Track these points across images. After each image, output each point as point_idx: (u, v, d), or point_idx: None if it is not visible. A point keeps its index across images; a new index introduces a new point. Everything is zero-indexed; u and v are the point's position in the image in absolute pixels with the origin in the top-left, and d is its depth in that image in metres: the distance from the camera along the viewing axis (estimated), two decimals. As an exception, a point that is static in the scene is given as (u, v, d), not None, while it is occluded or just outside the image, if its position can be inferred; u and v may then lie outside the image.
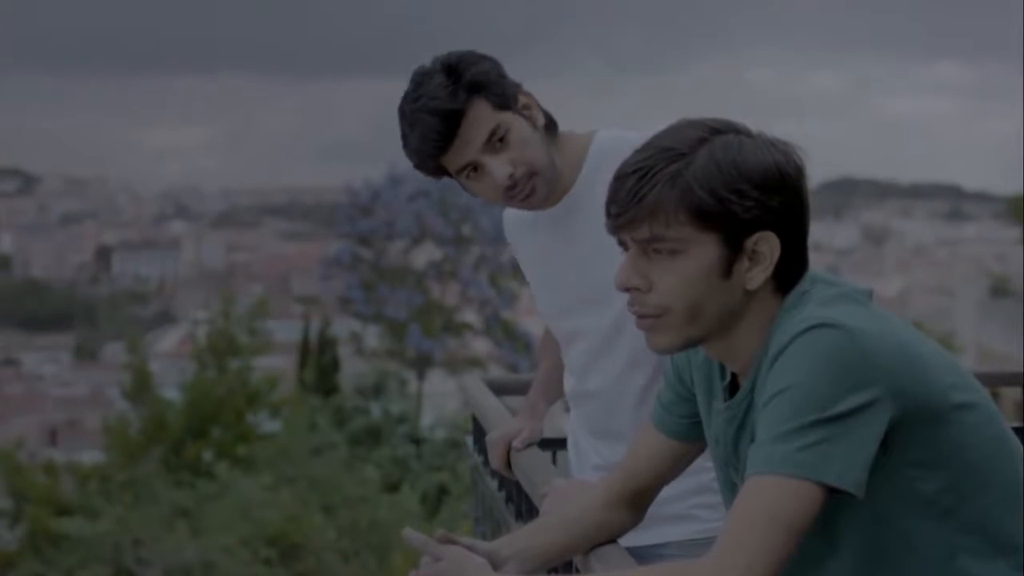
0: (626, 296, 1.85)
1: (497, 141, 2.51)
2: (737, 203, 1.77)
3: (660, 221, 1.78)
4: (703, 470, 2.17)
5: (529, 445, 2.83)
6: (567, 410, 2.94)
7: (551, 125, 2.61)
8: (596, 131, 2.70)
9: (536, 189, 2.56)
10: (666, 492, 2.33)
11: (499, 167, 2.51)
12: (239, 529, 14.17)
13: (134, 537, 14.29)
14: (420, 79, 2.52)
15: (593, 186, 2.54)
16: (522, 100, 2.55)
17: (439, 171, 2.58)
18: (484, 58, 2.55)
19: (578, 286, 2.68)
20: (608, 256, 2.45)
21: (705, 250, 1.79)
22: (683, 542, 2.59)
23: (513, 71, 2.59)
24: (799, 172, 1.81)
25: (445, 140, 2.49)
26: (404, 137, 2.56)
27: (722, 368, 1.92)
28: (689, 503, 2.58)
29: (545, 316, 2.88)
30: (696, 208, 1.77)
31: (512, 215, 2.82)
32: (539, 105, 2.59)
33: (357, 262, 23.55)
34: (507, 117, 2.52)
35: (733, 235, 1.78)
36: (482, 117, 2.50)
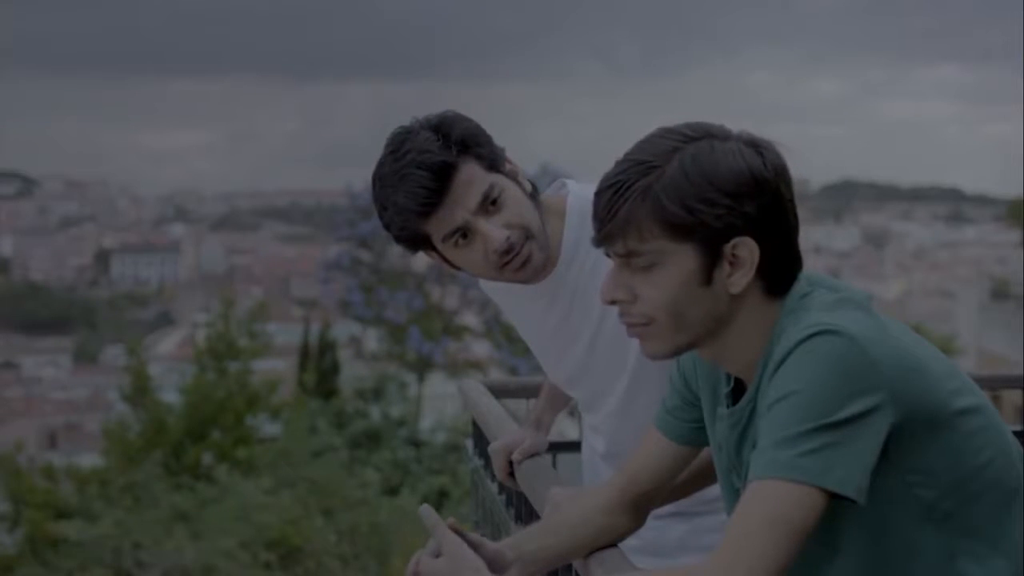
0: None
1: (490, 204, 2.34)
2: (708, 213, 1.76)
3: (634, 236, 1.78)
4: None
5: (530, 456, 2.79)
6: (569, 414, 2.93)
7: (534, 192, 2.45)
8: (566, 191, 2.53)
9: (532, 256, 2.39)
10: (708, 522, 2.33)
11: (495, 230, 2.34)
12: (239, 532, 14.15)
13: (134, 540, 14.25)
14: (402, 138, 2.33)
15: (580, 257, 2.46)
16: (508, 166, 2.40)
17: (419, 241, 2.38)
18: (467, 118, 2.37)
19: (583, 360, 2.58)
20: (610, 326, 2.41)
21: (682, 260, 1.78)
22: None
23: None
24: (777, 173, 1.79)
25: (437, 196, 2.29)
26: (383, 203, 2.34)
27: (727, 374, 1.92)
28: None
29: (555, 381, 2.80)
30: (668, 221, 1.77)
31: (492, 283, 2.60)
32: (523, 172, 2.43)
33: (357, 265, 23.50)
34: (499, 179, 2.35)
35: (709, 244, 1.77)
36: (475, 177, 2.32)
